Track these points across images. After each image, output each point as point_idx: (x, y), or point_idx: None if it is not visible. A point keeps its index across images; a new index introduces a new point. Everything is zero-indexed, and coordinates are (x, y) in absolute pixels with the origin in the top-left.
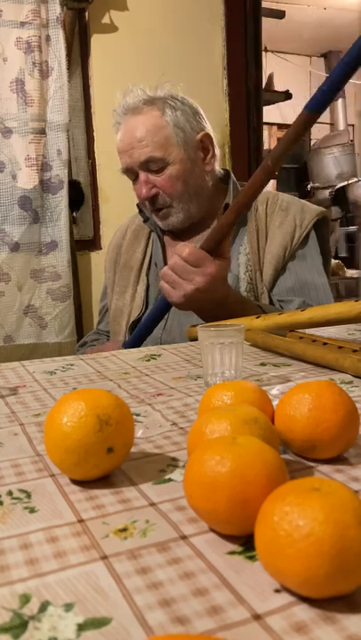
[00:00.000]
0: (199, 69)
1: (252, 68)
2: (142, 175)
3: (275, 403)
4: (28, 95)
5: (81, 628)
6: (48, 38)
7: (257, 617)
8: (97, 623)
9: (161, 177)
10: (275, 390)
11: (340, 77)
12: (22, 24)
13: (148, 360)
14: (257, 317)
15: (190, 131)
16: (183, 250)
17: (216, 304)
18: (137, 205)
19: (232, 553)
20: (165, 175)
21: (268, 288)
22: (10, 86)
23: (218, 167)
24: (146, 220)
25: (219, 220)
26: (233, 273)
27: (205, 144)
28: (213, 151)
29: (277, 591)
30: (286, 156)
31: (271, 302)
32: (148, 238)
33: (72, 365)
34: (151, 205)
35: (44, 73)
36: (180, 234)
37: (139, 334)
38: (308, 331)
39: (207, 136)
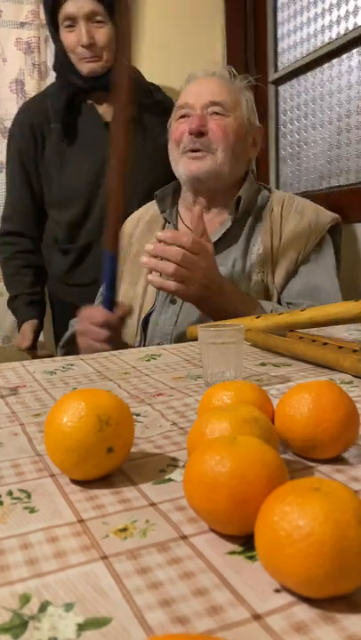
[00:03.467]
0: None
1: (252, 67)
2: (200, 112)
3: (275, 403)
4: (27, 95)
5: (81, 627)
6: (47, 39)
7: (257, 617)
8: (97, 623)
9: (217, 121)
10: (275, 390)
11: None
12: (22, 24)
13: (148, 360)
14: (257, 317)
15: (254, 115)
16: (182, 239)
17: (218, 288)
18: (155, 195)
19: (232, 553)
20: (222, 122)
21: (278, 290)
22: (10, 86)
23: (252, 165)
24: (163, 210)
25: None
26: (245, 273)
27: (257, 135)
28: (259, 146)
29: (277, 591)
30: None
31: (280, 305)
32: (163, 229)
33: (72, 365)
34: (190, 142)
35: (44, 74)
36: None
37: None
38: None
39: (261, 130)
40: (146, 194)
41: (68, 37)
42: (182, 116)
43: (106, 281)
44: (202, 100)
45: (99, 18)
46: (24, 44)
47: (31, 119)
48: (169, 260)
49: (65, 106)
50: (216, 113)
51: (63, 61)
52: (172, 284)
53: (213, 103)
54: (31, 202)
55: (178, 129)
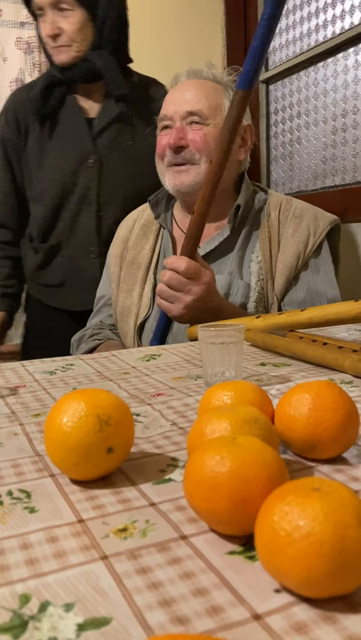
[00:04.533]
0: None
1: None
2: (178, 124)
3: (275, 403)
4: None
5: (81, 628)
6: None
7: (257, 617)
8: (97, 623)
9: (196, 131)
10: (275, 390)
11: (259, 51)
12: (22, 24)
13: (148, 360)
14: (257, 317)
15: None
16: (179, 263)
17: (213, 313)
18: (148, 200)
19: (232, 553)
20: (202, 132)
21: (279, 298)
22: (10, 86)
23: (246, 164)
24: (157, 216)
25: (193, 218)
26: (245, 281)
27: (246, 134)
28: (249, 144)
29: (277, 591)
30: (231, 144)
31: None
32: (158, 235)
33: (72, 365)
34: (172, 157)
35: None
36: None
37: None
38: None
39: (250, 128)
40: (132, 197)
41: (41, 27)
42: (164, 128)
43: (160, 322)
44: (180, 110)
45: (64, 5)
46: (24, 44)
47: (16, 108)
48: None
49: (40, 95)
50: (195, 122)
51: (45, 52)
52: (159, 301)
53: (191, 113)
54: (14, 193)
55: (160, 142)
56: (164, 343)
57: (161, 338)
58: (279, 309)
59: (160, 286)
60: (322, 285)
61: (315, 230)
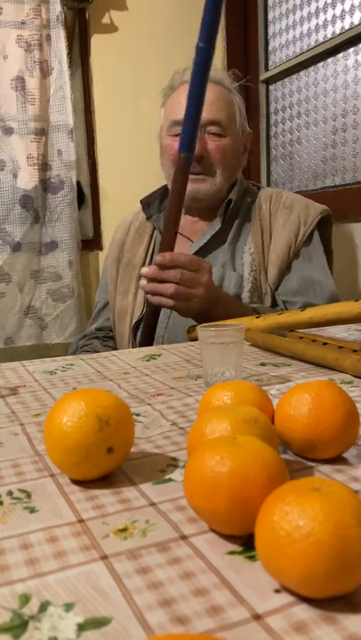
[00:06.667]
0: None
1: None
2: (198, 132)
3: (275, 403)
4: (28, 93)
5: (81, 628)
6: (49, 37)
7: (257, 617)
8: (97, 623)
9: (216, 142)
10: (275, 390)
11: (193, 112)
12: (23, 23)
13: (148, 360)
14: (257, 317)
15: (244, 122)
16: (182, 260)
17: (214, 301)
18: (140, 202)
19: (232, 553)
20: (221, 143)
21: (272, 288)
22: (10, 84)
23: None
24: (149, 217)
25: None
26: (238, 272)
27: (247, 141)
28: (248, 150)
29: (277, 591)
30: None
31: (275, 302)
32: (151, 236)
33: (72, 365)
34: (192, 165)
35: (45, 72)
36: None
37: (144, 342)
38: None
39: (251, 136)
40: None
41: None
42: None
43: (149, 320)
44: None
45: None
46: (24, 42)
47: None
48: (168, 281)
49: None
50: (214, 133)
51: None
52: (169, 301)
53: (212, 122)
54: None
55: (174, 147)
56: (152, 339)
57: (150, 335)
58: (273, 299)
59: (172, 289)
60: (315, 273)
61: (305, 220)
